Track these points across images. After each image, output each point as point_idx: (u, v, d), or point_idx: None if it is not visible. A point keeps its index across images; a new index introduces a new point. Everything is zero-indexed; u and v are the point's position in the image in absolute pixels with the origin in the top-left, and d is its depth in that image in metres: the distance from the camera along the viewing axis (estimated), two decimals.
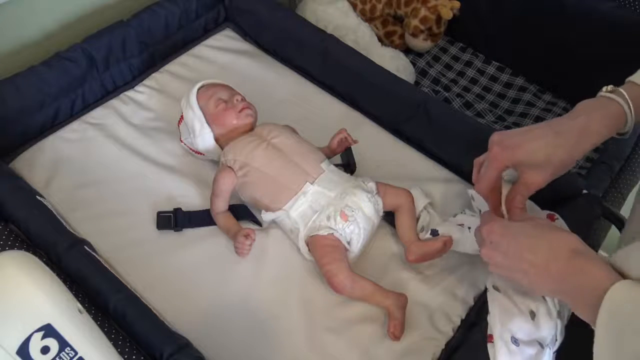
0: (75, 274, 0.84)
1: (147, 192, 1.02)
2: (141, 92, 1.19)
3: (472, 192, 0.94)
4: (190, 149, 1.06)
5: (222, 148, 1.02)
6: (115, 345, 0.76)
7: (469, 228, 0.90)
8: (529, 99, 1.38)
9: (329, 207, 0.92)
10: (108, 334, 0.79)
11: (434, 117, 1.07)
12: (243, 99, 1.04)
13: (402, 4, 1.47)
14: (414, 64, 1.46)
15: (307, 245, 0.93)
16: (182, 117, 1.05)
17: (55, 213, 0.92)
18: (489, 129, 1.05)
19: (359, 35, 1.41)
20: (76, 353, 0.58)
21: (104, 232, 0.96)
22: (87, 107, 1.15)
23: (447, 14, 1.41)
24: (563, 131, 0.72)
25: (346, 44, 1.20)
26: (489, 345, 0.76)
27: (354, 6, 1.49)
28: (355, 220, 0.92)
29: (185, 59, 1.26)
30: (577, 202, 0.94)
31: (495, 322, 0.77)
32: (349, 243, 0.92)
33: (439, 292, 0.92)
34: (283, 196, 0.94)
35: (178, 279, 0.93)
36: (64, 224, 0.92)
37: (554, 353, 0.77)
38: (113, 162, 1.06)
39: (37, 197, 0.94)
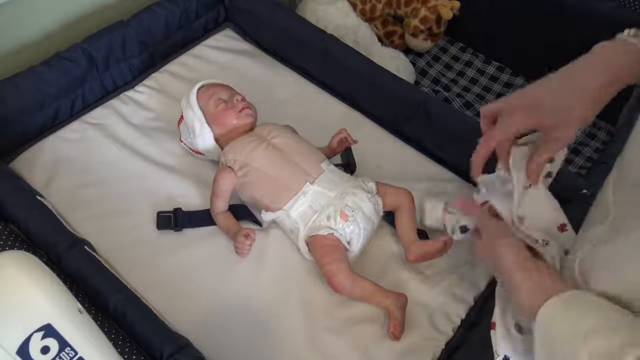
0: (75, 274, 0.84)
1: (147, 192, 1.02)
2: (141, 92, 1.19)
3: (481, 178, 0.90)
4: (190, 149, 1.06)
5: (222, 148, 1.02)
6: (115, 345, 0.76)
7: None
8: None
9: (329, 207, 0.92)
10: (108, 334, 0.79)
11: (434, 117, 1.07)
12: (243, 99, 1.04)
13: (402, 4, 1.47)
14: (414, 64, 1.46)
15: (307, 245, 0.93)
16: (182, 117, 1.05)
17: (55, 213, 0.92)
18: None
19: (359, 35, 1.41)
20: (76, 353, 0.58)
21: (104, 232, 0.96)
22: (87, 107, 1.15)
23: (447, 14, 1.41)
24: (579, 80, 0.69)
25: (346, 44, 1.20)
26: (492, 332, 0.76)
27: (354, 6, 1.49)
28: (355, 220, 0.92)
29: (185, 59, 1.26)
30: (577, 202, 0.94)
31: (500, 310, 0.76)
32: (349, 243, 0.92)
33: (439, 292, 0.93)
34: (283, 196, 0.94)
35: (178, 278, 0.93)
36: (64, 224, 0.92)
37: None
38: (113, 162, 1.06)
39: (37, 197, 0.94)
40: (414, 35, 1.46)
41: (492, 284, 0.91)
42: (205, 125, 1.02)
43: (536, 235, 0.76)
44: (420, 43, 1.47)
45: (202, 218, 0.99)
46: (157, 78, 1.22)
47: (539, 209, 0.79)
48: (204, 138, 1.02)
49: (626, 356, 0.47)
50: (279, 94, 1.21)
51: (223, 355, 0.84)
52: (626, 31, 0.71)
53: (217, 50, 1.28)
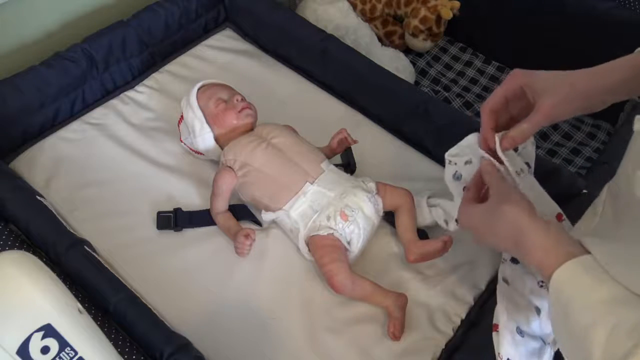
0: (75, 274, 0.84)
1: (147, 192, 1.02)
2: (141, 92, 1.19)
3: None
4: (190, 149, 1.06)
5: (222, 148, 1.02)
6: (115, 345, 0.76)
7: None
8: None
9: (329, 207, 0.92)
10: (108, 334, 0.79)
11: (434, 117, 1.07)
12: (243, 99, 1.04)
13: (402, 4, 1.47)
14: (414, 64, 1.46)
15: (307, 245, 0.93)
16: (182, 117, 1.05)
17: (55, 213, 0.92)
18: None
19: (359, 35, 1.41)
20: (76, 353, 0.58)
21: (104, 232, 0.96)
22: (87, 107, 1.15)
23: (447, 14, 1.41)
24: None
25: (346, 44, 1.20)
26: (494, 334, 0.76)
27: (354, 6, 1.49)
28: (355, 220, 0.92)
29: (185, 59, 1.26)
30: (577, 202, 0.94)
31: (502, 312, 0.76)
32: (349, 243, 0.92)
33: (439, 292, 0.92)
34: (283, 196, 0.94)
35: (178, 278, 0.93)
36: (64, 224, 0.92)
37: (553, 353, 0.77)
38: (113, 162, 1.06)
39: (37, 197, 0.94)
40: (414, 35, 1.46)
41: (492, 284, 0.91)
42: (205, 125, 1.02)
43: None
44: (420, 43, 1.47)
45: (202, 218, 0.99)
46: (157, 78, 1.22)
47: (533, 194, 0.79)
48: (204, 138, 1.02)
49: None
50: (279, 94, 1.21)
51: (223, 355, 0.84)
52: None
53: (217, 50, 1.29)
